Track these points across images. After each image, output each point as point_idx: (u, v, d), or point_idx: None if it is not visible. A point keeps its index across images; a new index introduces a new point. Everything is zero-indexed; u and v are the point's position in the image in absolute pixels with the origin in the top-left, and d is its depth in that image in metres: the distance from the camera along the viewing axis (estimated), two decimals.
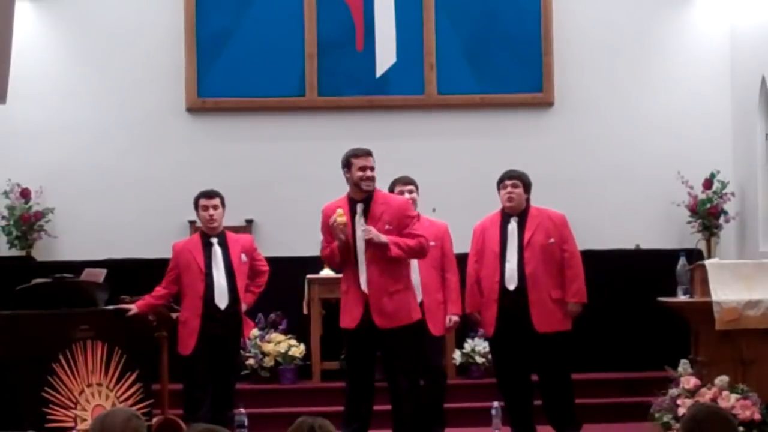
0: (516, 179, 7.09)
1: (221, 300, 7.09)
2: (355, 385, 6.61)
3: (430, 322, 6.94)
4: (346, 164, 6.58)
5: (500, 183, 7.15)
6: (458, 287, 7.10)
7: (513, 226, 7.02)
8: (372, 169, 6.56)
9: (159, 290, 7.16)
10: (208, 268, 7.10)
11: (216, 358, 7.08)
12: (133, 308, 7.05)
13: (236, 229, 10.07)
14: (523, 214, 7.06)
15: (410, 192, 7.08)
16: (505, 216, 7.09)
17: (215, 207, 7.20)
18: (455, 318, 7.09)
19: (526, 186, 7.11)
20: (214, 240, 7.19)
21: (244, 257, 7.20)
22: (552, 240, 6.98)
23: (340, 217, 6.40)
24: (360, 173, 6.52)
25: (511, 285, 6.90)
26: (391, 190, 7.10)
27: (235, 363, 7.36)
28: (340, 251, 6.49)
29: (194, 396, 7.11)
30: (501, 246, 6.97)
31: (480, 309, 7.04)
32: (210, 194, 7.26)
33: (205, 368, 7.06)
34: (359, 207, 6.56)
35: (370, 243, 6.43)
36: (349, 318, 6.54)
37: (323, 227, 6.65)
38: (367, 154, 6.59)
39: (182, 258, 7.15)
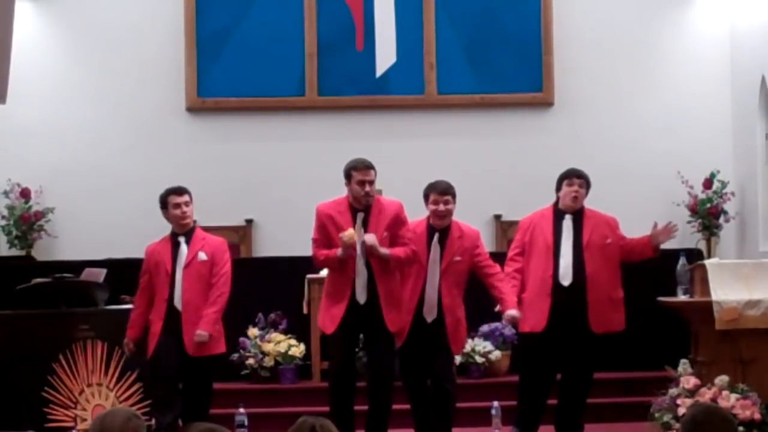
0: (584, 179, 7.03)
1: (179, 302, 6.74)
2: (343, 390, 6.62)
3: (452, 341, 6.74)
4: (347, 176, 6.58)
5: (566, 178, 7.01)
6: (514, 279, 6.86)
7: (568, 223, 6.93)
8: (371, 183, 6.52)
9: (138, 311, 6.84)
10: (174, 269, 6.80)
11: (182, 363, 6.73)
12: (125, 346, 6.79)
13: (236, 229, 10.14)
14: (578, 214, 6.98)
15: (445, 203, 6.72)
16: (558, 212, 6.98)
17: (187, 203, 6.89)
18: (515, 313, 6.73)
19: (588, 188, 7.08)
20: (182, 239, 6.87)
21: (203, 255, 6.81)
22: (609, 240, 6.94)
23: (351, 238, 6.35)
24: (358, 188, 6.52)
25: (566, 281, 6.80)
26: (426, 195, 6.83)
27: (202, 367, 6.82)
28: (337, 263, 6.49)
29: (158, 404, 6.74)
30: (555, 241, 6.87)
31: (521, 301, 6.83)
32: (182, 190, 6.96)
33: (168, 373, 6.70)
34: (359, 217, 6.55)
35: (371, 253, 6.42)
36: (330, 323, 6.57)
37: (319, 227, 6.60)
38: (368, 167, 6.53)
39: (152, 260, 6.86)
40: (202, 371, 6.82)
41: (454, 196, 6.79)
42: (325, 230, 6.55)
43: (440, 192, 6.74)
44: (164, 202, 6.94)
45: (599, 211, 7.15)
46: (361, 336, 6.84)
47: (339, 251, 6.43)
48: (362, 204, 6.54)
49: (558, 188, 7.07)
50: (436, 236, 6.73)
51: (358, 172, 6.51)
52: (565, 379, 6.97)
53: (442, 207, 6.71)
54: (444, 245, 6.72)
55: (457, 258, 6.71)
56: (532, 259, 6.89)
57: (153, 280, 6.84)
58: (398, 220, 6.58)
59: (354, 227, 6.47)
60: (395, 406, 7.18)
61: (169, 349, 6.67)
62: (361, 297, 6.49)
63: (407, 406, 7.00)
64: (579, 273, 6.81)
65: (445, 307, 6.69)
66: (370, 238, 6.43)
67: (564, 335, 6.79)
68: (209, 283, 6.80)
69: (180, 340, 6.70)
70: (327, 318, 6.61)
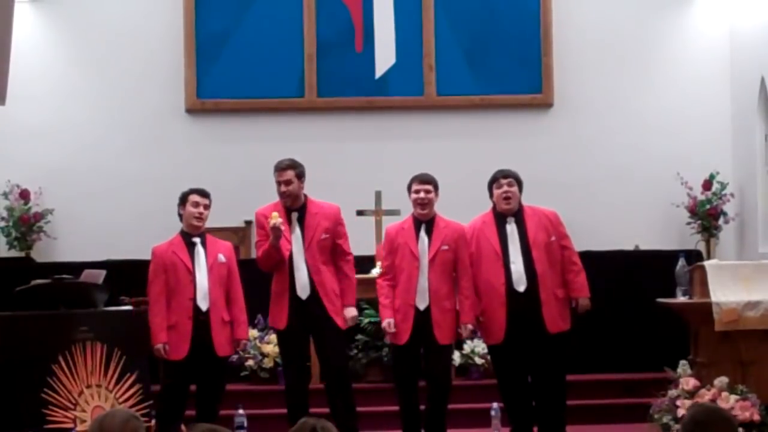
0: (512, 178, 6.94)
1: (203, 301, 6.86)
2: (295, 387, 6.83)
3: (437, 330, 6.78)
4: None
5: (494, 182, 6.97)
6: (473, 295, 6.86)
7: (512, 226, 6.86)
8: (286, 183, 6.82)
9: (161, 315, 6.86)
10: (194, 268, 6.89)
11: (204, 363, 6.86)
12: (161, 350, 6.86)
13: (235, 230, 10.14)
14: (518, 214, 6.91)
15: (426, 192, 6.90)
16: (499, 216, 6.92)
17: (206, 206, 7.02)
18: (469, 327, 6.88)
19: (520, 184, 6.97)
20: (197, 240, 6.98)
21: (222, 257, 6.96)
22: (553, 238, 6.87)
23: (275, 219, 6.64)
24: (278, 188, 6.86)
25: (521, 287, 6.74)
26: (409, 187, 6.98)
27: (224, 367, 7.04)
28: (274, 252, 6.72)
29: (173, 404, 6.87)
30: (502, 247, 6.82)
31: (480, 314, 6.86)
32: (205, 193, 7.07)
33: (191, 375, 6.85)
34: (294, 216, 6.84)
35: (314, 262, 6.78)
36: (279, 319, 6.84)
37: (258, 229, 6.89)
38: (282, 169, 6.86)
39: (167, 260, 6.91)
40: (223, 370, 7.03)
41: (436, 187, 6.98)
42: (265, 230, 6.80)
43: (421, 180, 6.96)
44: (184, 199, 7.06)
45: (539, 207, 7.04)
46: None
47: (271, 238, 6.69)
48: (285, 203, 6.84)
49: (490, 194, 7.00)
50: (422, 227, 6.90)
51: (276, 173, 6.89)
52: (535, 383, 6.91)
53: (422, 194, 6.89)
54: (431, 235, 6.88)
55: (445, 247, 6.85)
56: (481, 268, 6.85)
57: (171, 280, 6.89)
58: (337, 223, 6.93)
59: (289, 224, 6.81)
60: (384, 408, 7.24)
61: (194, 362, 6.83)
62: (303, 293, 6.77)
63: (395, 408, 7.02)
64: (531, 276, 6.77)
65: (431, 293, 6.80)
66: (351, 313, 6.86)
67: (524, 340, 6.76)
68: (226, 284, 6.98)
69: (208, 341, 6.84)
70: (276, 315, 6.89)
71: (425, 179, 6.96)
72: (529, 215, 6.94)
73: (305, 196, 6.94)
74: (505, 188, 6.90)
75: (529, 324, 6.74)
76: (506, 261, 6.80)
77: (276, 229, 6.64)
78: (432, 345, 6.82)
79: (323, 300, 6.78)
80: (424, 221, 6.92)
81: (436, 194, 6.96)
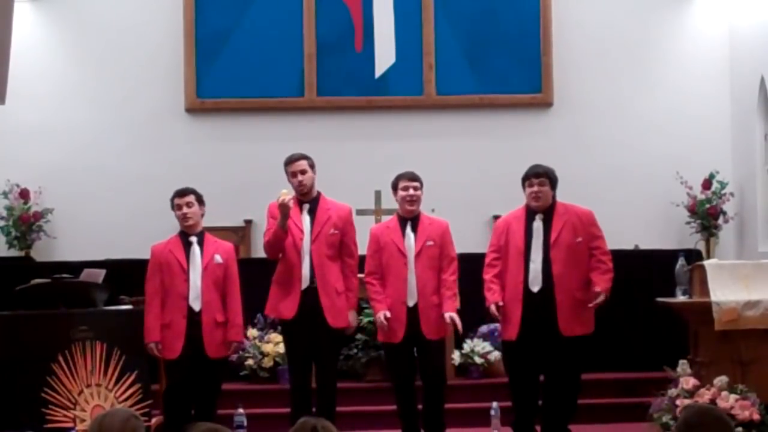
0: (543, 176, 6.84)
1: (196, 302, 6.84)
2: (300, 386, 6.86)
3: (425, 325, 6.79)
4: (286, 172, 6.93)
5: (526, 180, 6.90)
6: (455, 287, 6.89)
7: (538, 224, 6.79)
8: (302, 172, 6.85)
9: (154, 313, 6.87)
10: (188, 267, 6.88)
11: (197, 364, 6.84)
12: (154, 349, 6.87)
13: (235, 230, 10.14)
14: (549, 212, 6.82)
15: (415, 189, 6.92)
16: (530, 213, 6.86)
17: (189, 204, 6.98)
18: (453, 314, 6.79)
19: (553, 183, 6.87)
20: (194, 239, 6.97)
21: (218, 258, 6.91)
22: (580, 239, 6.77)
23: (285, 196, 6.65)
24: (293, 180, 6.88)
25: (535, 287, 6.69)
26: (395, 185, 7.00)
27: (218, 368, 6.97)
28: (281, 233, 6.72)
29: (175, 403, 6.89)
30: (526, 244, 6.76)
31: (500, 303, 6.77)
32: (183, 192, 7.03)
33: (189, 373, 6.84)
34: (305, 207, 6.87)
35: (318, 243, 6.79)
36: (286, 308, 6.82)
37: (270, 219, 6.88)
38: (296, 159, 6.89)
39: (163, 259, 6.91)
40: (217, 372, 6.98)
41: (422, 184, 7.01)
42: (276, 219, 6.80)
43: (409, 178, 6.99)
44: (171, 204, 7.08)
45: (574, 206, 6.96)
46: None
47: (279, 218, 6.72)
48: (301, 194, 6.86)
49: (524, 190, 6.96)
50: (408, 225, 6.94)
51: (289, 165, 6.89)
52: (547, 383, 6.89)
53: (411, 191, 6.92)
54: (416, 232, 6.92)
55: (430, 242, 6.88)
56: (507, 264, 6.82)
57: (166, 279, 6.89)
58: (348, 223, 6.96)
59: (300, 215, 6.84)
60: (384, 407, 7.28)
61: (189, 361, 6.83)
62: (303, 283, 6.79)
63: (393, 407, 7.03)
64: (548, 277, 6.71)
65: (419, 290, 6.83)
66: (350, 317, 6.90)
67: (537, 341, 6.71)
68: (222, 285, 6.94)
69: (199, 342, 6.82)
70: (282, 304, 6.86)
71: (413, 177, 7.00)
72: (559, 214, 6.85)
73: (318, 192, 6.95)
74: (536, 188, 6.83)
75: (542, 325, 6.68)
76: (527, 259, 6.76)
77: (284, 206, 6.64)
78: (424, 341, 6.83)
79: (320, 294, 6.76)
80: (410, 219, 6.95)
81: (422, 191, 7.01)
